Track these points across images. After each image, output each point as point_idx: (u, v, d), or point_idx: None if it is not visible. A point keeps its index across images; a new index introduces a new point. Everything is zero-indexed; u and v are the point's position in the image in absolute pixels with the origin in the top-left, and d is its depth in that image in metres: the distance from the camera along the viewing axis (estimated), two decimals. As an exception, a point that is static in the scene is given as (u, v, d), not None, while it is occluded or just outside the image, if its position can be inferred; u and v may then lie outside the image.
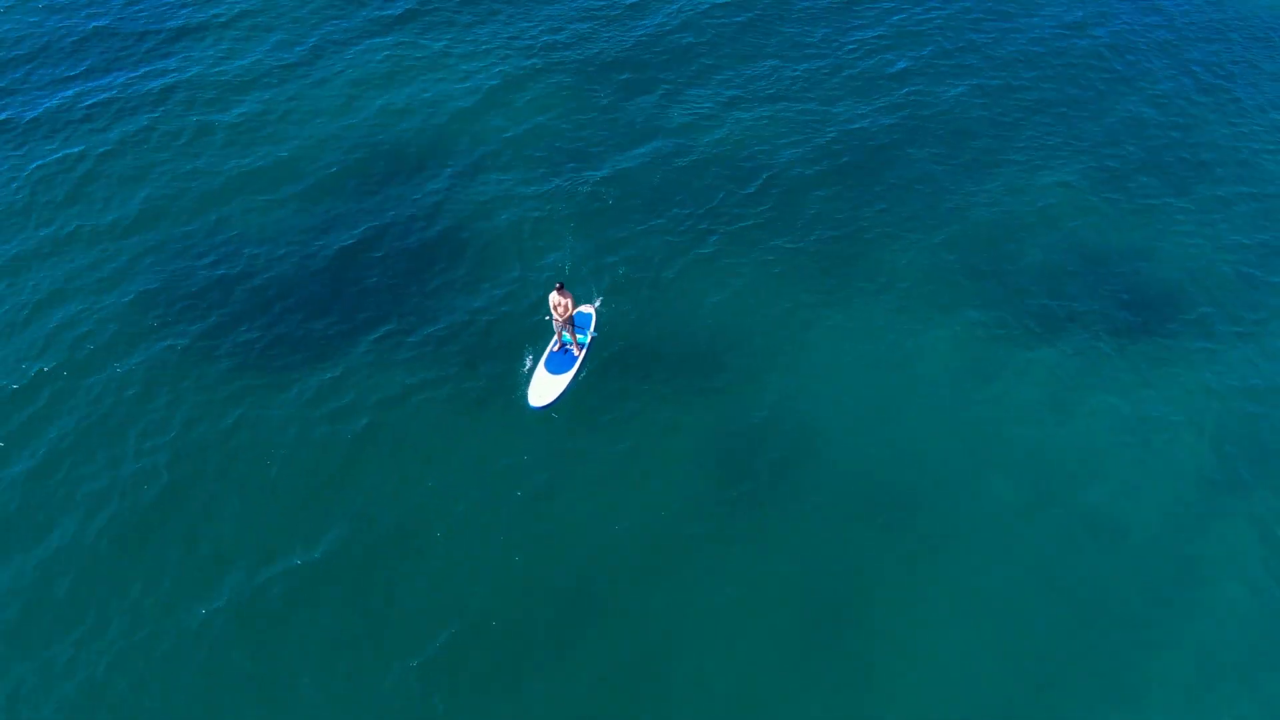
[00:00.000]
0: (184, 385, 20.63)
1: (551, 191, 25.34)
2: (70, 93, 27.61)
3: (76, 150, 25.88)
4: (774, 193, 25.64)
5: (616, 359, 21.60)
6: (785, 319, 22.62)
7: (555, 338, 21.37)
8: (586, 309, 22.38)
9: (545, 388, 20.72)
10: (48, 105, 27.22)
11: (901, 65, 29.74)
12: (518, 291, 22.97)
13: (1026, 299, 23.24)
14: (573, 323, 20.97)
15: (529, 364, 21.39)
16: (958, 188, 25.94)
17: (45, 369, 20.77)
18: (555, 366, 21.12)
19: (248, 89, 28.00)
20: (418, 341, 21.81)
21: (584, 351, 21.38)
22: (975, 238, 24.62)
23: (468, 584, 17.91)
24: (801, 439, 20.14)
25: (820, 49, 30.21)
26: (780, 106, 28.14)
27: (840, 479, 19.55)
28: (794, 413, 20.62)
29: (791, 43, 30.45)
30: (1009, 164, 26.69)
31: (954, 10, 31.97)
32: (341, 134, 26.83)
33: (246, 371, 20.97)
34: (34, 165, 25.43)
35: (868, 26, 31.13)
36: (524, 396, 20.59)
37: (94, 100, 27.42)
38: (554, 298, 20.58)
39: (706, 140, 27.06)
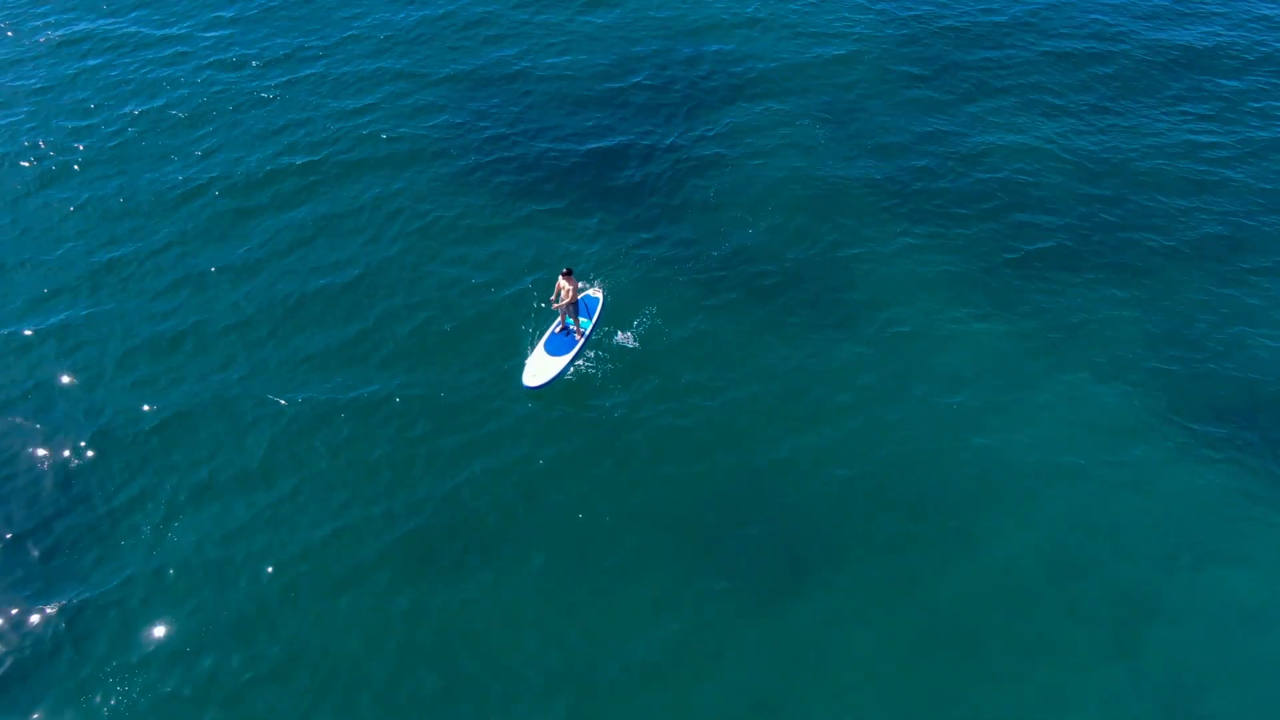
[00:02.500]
0: (427, 203, 25.25)
1: (812, 162, 26.70)
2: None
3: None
4: (997, 213, 25.29)
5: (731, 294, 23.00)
6: (919, 329, 22.47)
7: (559, 320, 21.28)
8: (595, 293, 22.21)
9: (541, 368, 20.51)
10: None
11: (1222, 152, 27.51)
12: (711, 236, 24.64)
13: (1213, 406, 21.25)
14: (577, 307, 20.90)
15: (529, 343, 21.48)
16: (1193, 280, 23.88)
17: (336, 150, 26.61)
18: (555, 348, 20.90)
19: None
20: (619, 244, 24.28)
21: (585, 337, 21.18)
22: (1184, 331, 22.81)
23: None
24: (884, 476, 19.69)
25: (1151, 109, 29.00)
26: (1068, 143, 27.64)
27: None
28: (880, 442, 20.25)
29: (1125, 89, 29.71)
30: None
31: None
32: (664, 53, 30.32)
33: (477, 210, 25.02)
34: (417, 17, 31.74)
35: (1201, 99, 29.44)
36: (519, 375, 20.62)
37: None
38: (560, 282, 20.55)
39: (976, 149, 27.31)
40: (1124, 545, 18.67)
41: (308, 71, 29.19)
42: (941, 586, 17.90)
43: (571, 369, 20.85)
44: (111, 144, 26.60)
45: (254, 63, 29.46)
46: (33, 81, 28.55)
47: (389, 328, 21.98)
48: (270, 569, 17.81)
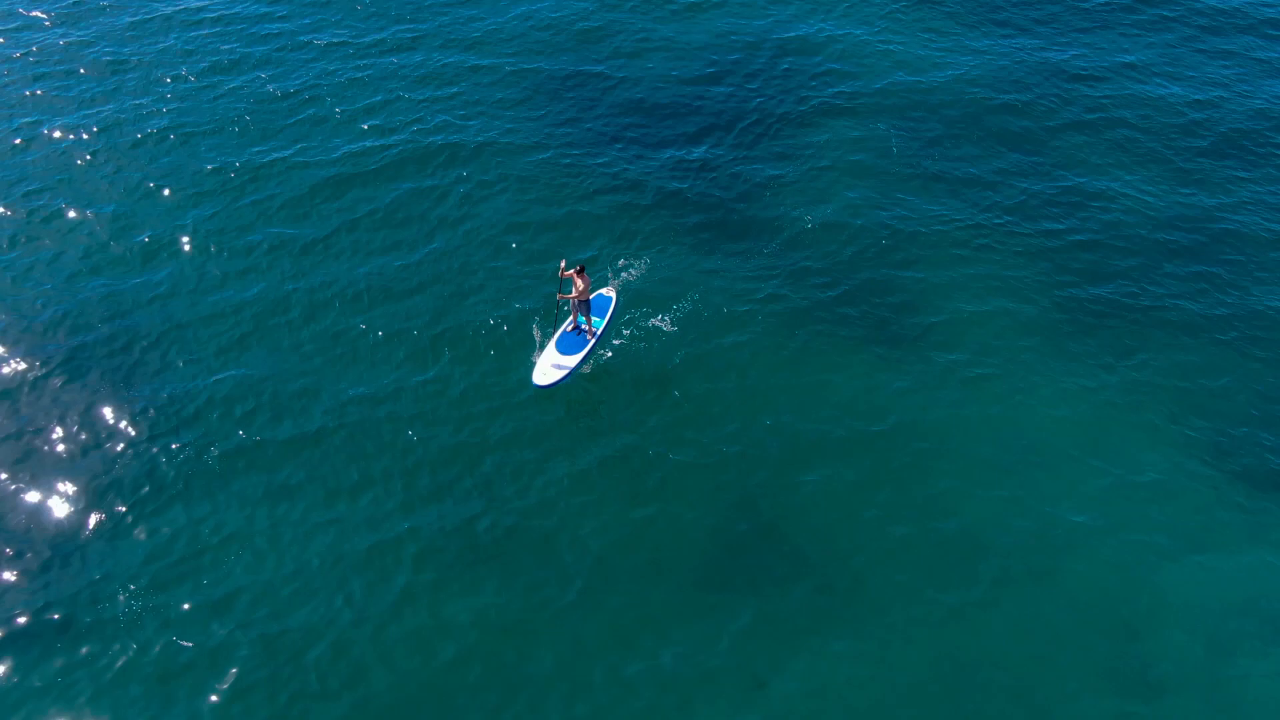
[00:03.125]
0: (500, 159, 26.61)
1: (886, 185, 26.20)
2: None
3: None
4: (1072, 254, 24.53)
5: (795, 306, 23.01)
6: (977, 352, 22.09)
7: (570, 318, 21.11)
8: (608, 292, 21.96)
9: (552, 367, 20.44)
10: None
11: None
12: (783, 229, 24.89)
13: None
14: (589, 306, 20.75)
15: (539, 342, 21.43)
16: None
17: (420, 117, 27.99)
18: (566, 347, 20.77)
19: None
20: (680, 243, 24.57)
21: (596, 337, 20.99)
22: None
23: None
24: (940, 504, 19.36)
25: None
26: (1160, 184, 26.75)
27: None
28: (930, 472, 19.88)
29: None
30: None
31: None
32: (750, 64, 30.34)
33: (541, 203, 25.47)
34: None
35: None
36: (529, 375, 20.60)
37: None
38: (574, 278, 20.38)
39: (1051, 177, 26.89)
40: (1168, 619, 17.75)
41: (399, 57, 30.04)
42: (964, 636, 17.36)
43: (585, 368, 20.80)
44: (209, 114, 27.83)
45: (351, 47, 30.45)
46: (143, 51, 30.05)
47: (433, 312, 22.45)
48: (297, 535, 18.48)
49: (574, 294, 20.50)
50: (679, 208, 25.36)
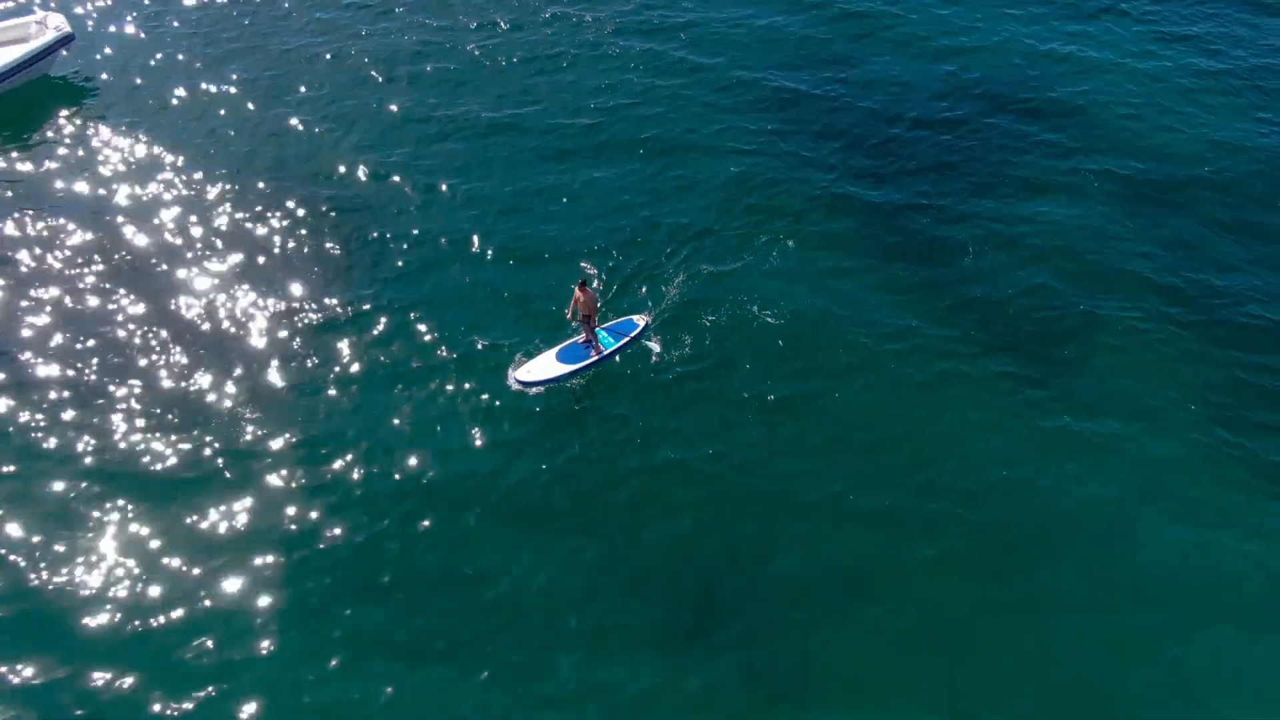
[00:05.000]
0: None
1: (1098, 245, 24.80)
2: None
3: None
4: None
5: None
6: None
7: (585, 332, 20.63)
8: (638, 319, 21.39)
9: (540, 369, 20.10)
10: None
11: None
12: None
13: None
14: (592, 321, 20.28)
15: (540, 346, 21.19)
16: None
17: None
18: (566, 356, 20.36)
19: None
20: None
21: (602, 355, 20.54)
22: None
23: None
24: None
25: None
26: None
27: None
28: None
29: None
30: None
31: None
32: (991, 100, 29.49)
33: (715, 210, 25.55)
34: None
35: None
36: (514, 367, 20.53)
37: None
38: (576, 293, 20.09)
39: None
40: None
41: (639, 44, 31.24)
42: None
43: (577, 379, 20.51)
44: (448, 67, 30.35)
45: (600, 30, 32.03)
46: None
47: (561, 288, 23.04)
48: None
49: (579, 310, 20.27)
50: (854, 244, 24.62)
